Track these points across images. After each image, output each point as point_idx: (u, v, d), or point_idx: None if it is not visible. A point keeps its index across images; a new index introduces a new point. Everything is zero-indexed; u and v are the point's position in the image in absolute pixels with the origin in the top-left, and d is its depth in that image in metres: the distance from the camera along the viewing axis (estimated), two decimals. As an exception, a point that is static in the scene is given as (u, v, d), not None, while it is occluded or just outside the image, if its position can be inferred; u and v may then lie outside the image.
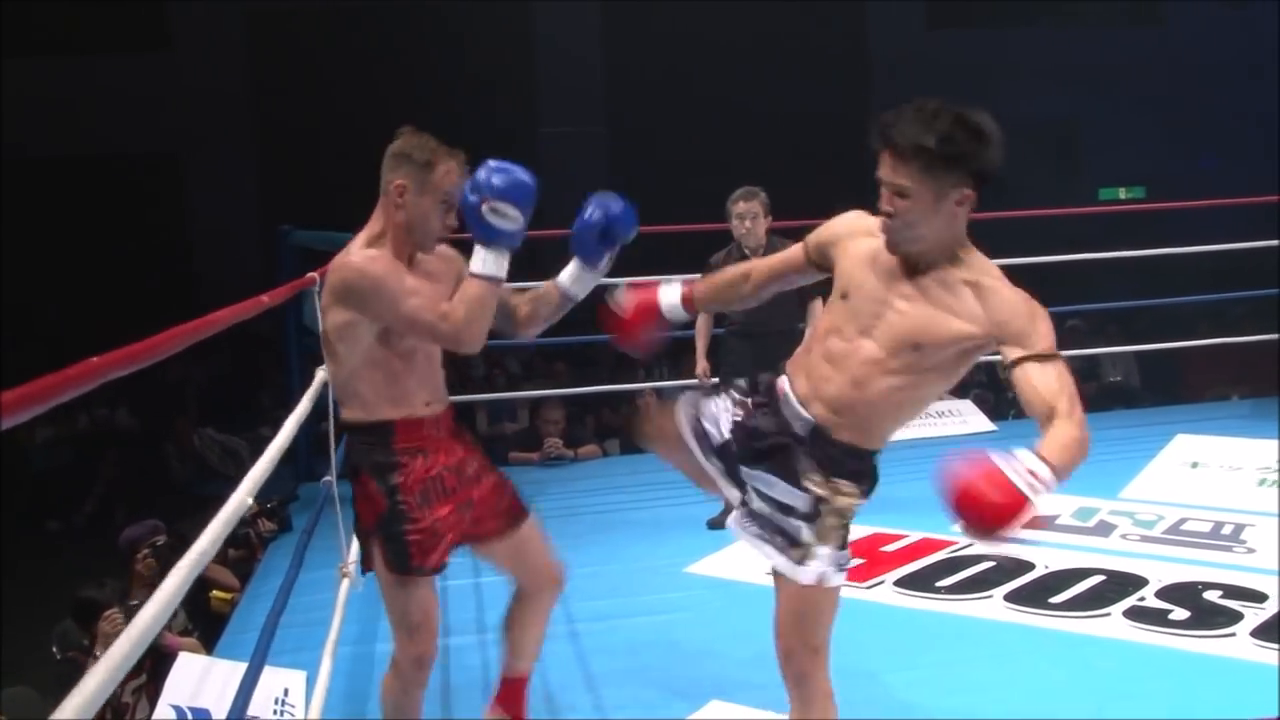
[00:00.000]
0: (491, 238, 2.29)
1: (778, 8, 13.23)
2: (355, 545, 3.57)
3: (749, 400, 2.35)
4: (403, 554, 2.43)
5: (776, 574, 2.30)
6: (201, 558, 1.69)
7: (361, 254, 2.38)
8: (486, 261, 2.31)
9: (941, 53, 13.40)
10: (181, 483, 7.88)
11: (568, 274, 2.57)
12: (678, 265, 6.19)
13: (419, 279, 2.41)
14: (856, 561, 2.32)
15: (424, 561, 2.44)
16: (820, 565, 2.21)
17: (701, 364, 5.01)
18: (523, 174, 2.30)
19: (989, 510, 1.85)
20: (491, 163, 2.31)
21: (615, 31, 13.27)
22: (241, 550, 5.17)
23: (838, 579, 2.25)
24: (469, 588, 4.23)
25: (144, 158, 12.43)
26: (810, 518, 2.22)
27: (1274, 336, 7.12)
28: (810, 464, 2.22)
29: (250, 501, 2.12)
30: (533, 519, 2.69)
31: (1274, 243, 7.06)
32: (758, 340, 4.79)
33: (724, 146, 12.63)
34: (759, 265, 2.53)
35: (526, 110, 13.10)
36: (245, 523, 5.11)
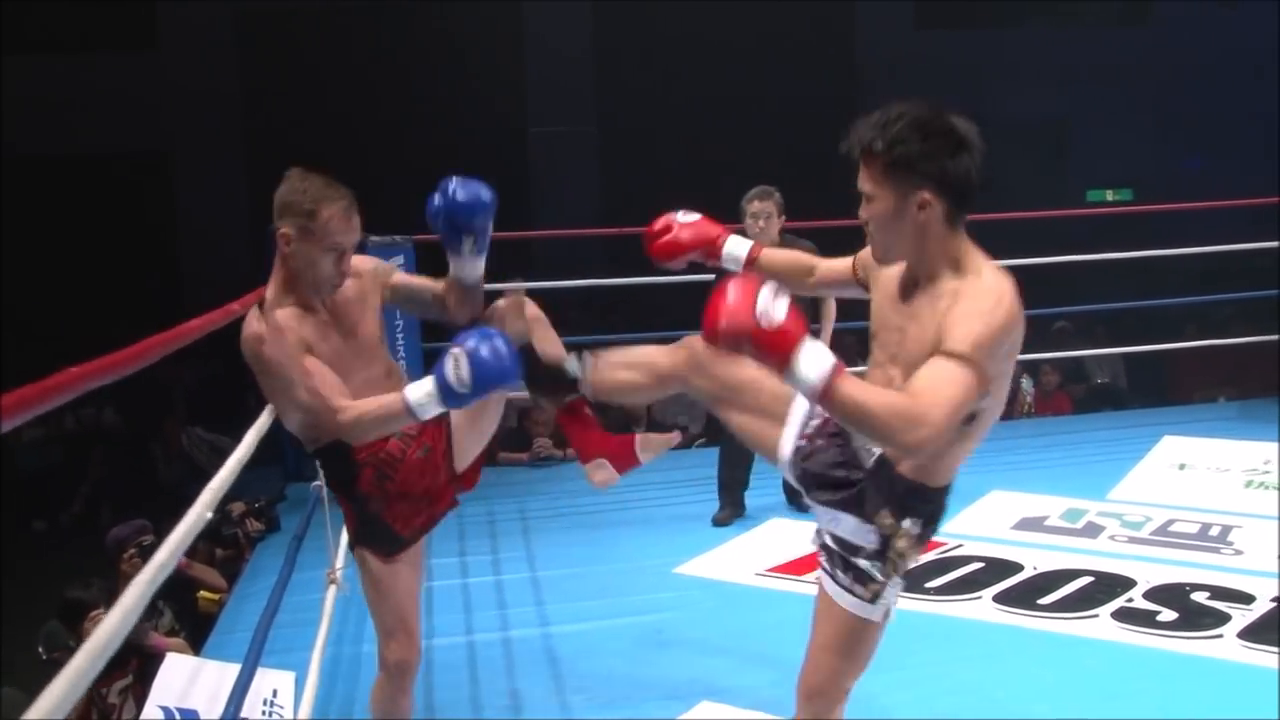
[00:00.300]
0: (439, 381, 2.09)
1: (767, 8, 13.23)
2: (342, 548, 3.58)
3: (824, 423, 2.17)
4: (386, 537, 2.42)
5: (823, 605, 2.20)
6: (166, 563, 1.66)
7: (256, 328, 2.25)
8: (420, 392, 2.12)
9: (930, 53, 13.42)
10: (169, 482, 7.85)
11: (450, 262, 2.45)
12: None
13: (319, 337, 2.32)
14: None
15: (409, 527, 2.43)
16: (888, 602, 2.13)
17: None
18: (504, 357, 2.09)
19: (718, 310, 1.79)
20: (501, 335, 2.13)
21: (606, 31, 13.26)
22: (229, 550, 5.15)
23: (894, 613, 2.17)
24: (456, 588, 4.23)
25: (133, 156, 12.39)
26: (879, 555, 2.10)
27: (1261, 339, 7.15)
28: (879, 500, 2.08)
29: (209, 515, 2.07)
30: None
31: (1261, 245, 7.09)
32: None
33: (714, 147, 12.63)
34: (823, 265, 2.40)
35: (517, 110, 13.09)
36: (233, 523, 5.09)
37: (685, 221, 2.40)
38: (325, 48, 12.28)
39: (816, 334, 4.95)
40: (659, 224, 2.41)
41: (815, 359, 1.77)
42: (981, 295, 1.88)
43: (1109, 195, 14.57)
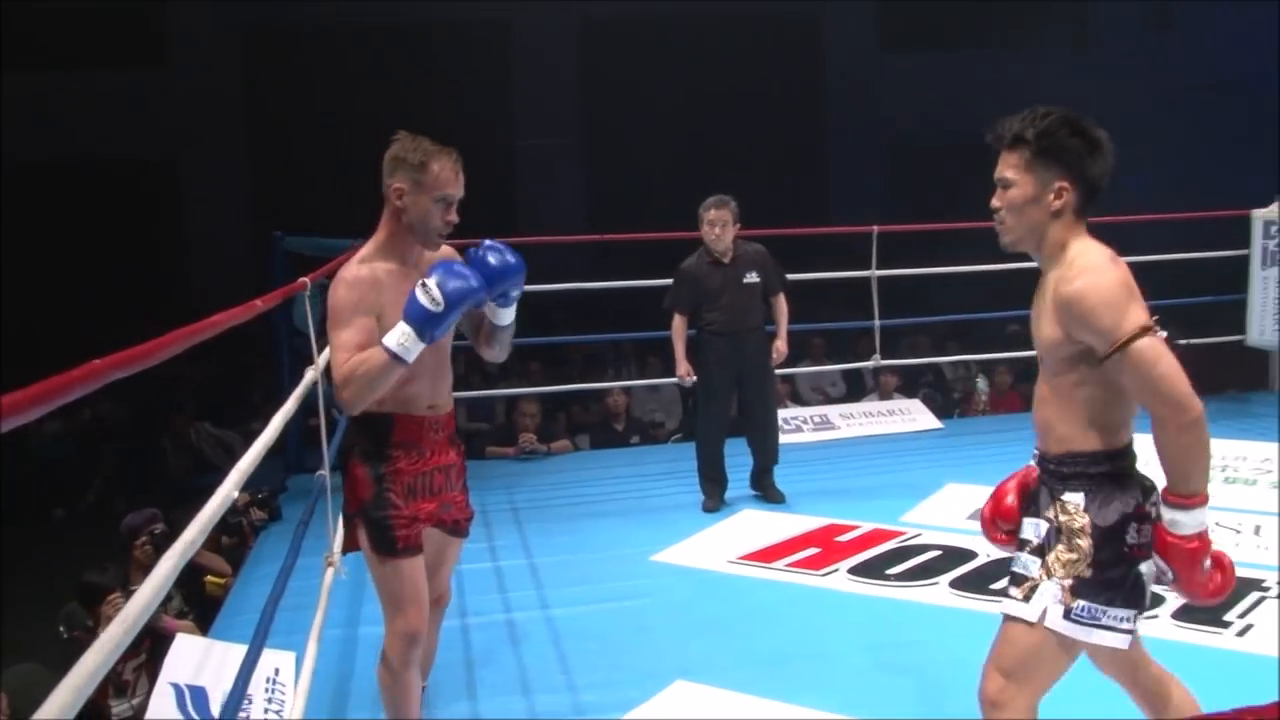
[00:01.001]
0: (408, 313, 2.22)
1: (743, 27, 13.27)
2: (340, 534, 3.59)
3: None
4: (387, 537, 2.41)
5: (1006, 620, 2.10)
6: (189, 547, 1.69)
7: (352, 268, 2.37)
8: (394, 336, 2.22)
9: (895, 73, 13.49)
10: (179, 474, 7.83)
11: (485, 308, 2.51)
12: (652, 271, 6.25)
13: (384, 304, 2.34)
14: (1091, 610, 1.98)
15: (408, 541, 2.43)
16: (1045, 600, 1.99)
17: (683, 366, 5.01)
18: (470, 278, 2.25)
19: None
20: (451, 263, 2.31)
21: (591, 47, 13.28)
22: (234, 538, 5.15)
23: (1065, 625, 1.98)
24: (489, 571, 4.24)
25: (142, 165, 12.35)
26: (1041, 551, 2.04)
27: (1194, 342, 7.24)
28: (1045, 494, 2.07)
29: (236, 494, 2.11)
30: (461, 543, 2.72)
31: (1182, 255, 7.17)
32: (732, 338, 4.89)
33: (694, 159, 12.68)
34: None
35: (505, 122, 13.09)
36: (237, 512, 5.09)
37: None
38: (325, 63, 12.28)
39: (772, 336, 5.04)
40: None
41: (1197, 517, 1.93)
42: (1075, 290, 1.94)
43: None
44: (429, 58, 12.39)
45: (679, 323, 5.02)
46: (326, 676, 3.27)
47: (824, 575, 4.05)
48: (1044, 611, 1.99)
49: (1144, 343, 1.90)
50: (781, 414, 6.76)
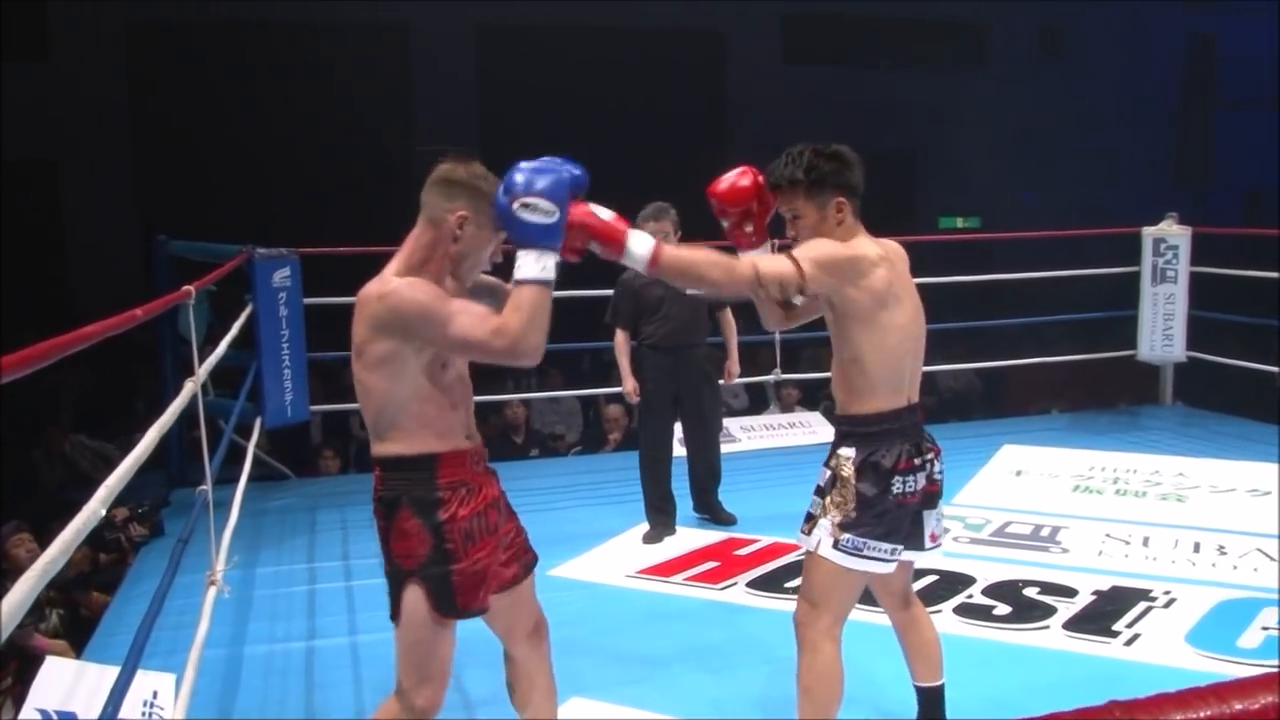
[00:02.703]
0: (528, 236, 2.08)
1: (645, 38, 13.35)
2: (224, 552, 3.49)
3: None
4: (448, 595, 2.20)
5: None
6: (51, 565, 1.61)
7: (401, 281, 2.15)
8: (530, 264, 2.08)
9: (798, 87, 13.70)
10: (51, 486, 7.54)
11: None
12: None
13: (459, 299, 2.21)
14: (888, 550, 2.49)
15: (470, 603, 2.23)
16: (820, 534, 2.47)
17: (630, 383, 4.82)
18: (553, 165, 2.14)
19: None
20: (521, 163, 2.15)
21: (488, 59, 13.21)
22: (113, 555, 4.97)
23: (834, 554, 2.44)
24: (340, 591, 4.15)
25: (19, 165, 11.88)
26: (823, 492, 2.50)
27: (1087, 357, 7.49)
28: (831, 448, 2.54)
29: (104, 511, 2.01)
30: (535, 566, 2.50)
31: (1097, 271, 7.40)
32: (672, 353, 4.77)
33: (594, 170, 12.66)
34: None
35: (403, 127, 12.94)
36: (116, 528, 4.92)
37: (599, 215, 2.32)
38: (216, 63, 11.98)
39: (715, 350, 4.99)
40: (578, 214, 2.27)
41: (641, 239, 2.28)
42: (827, 240, 2.42)
43: (960, 222, 15.05)
44: (324, 58, 12.19)
45: (620, 338, 4.84)
46: (208, 699, 3.17)
47: (723, 589, 4.06)
48: (819, 543, 2.48)
49: (783, 259, 2.38)
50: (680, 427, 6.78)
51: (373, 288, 2.18)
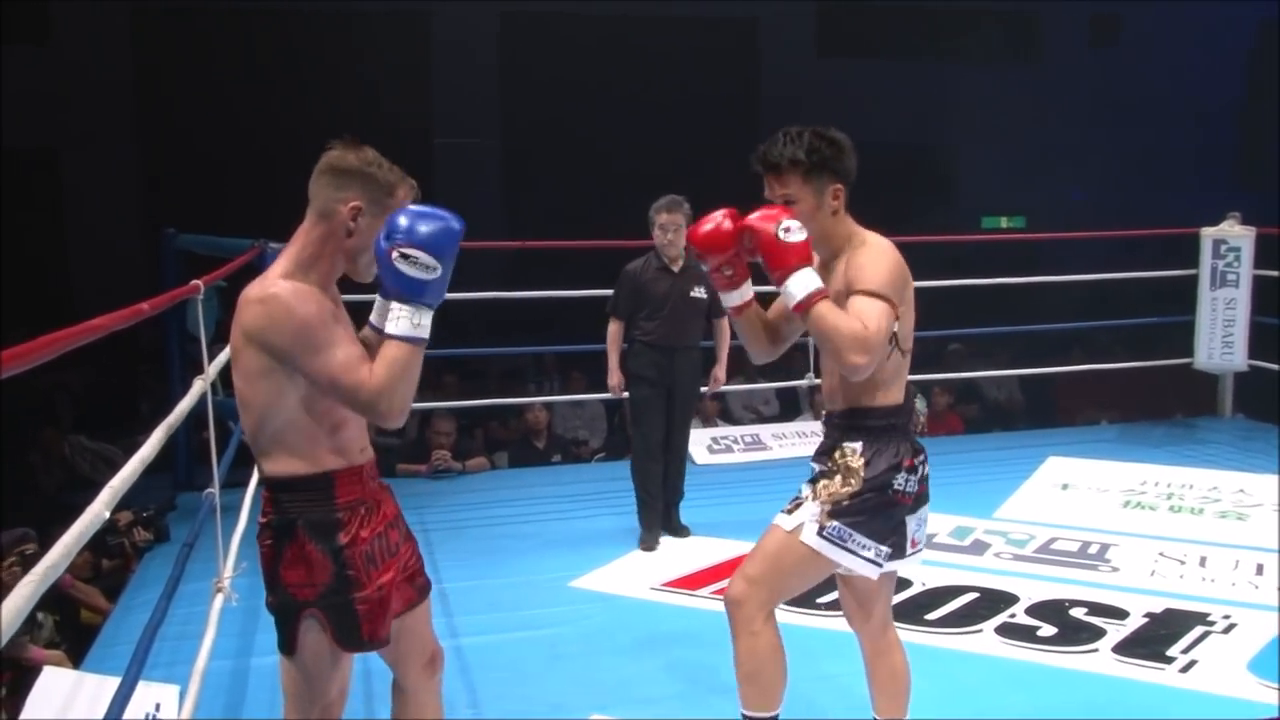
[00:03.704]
0: (403, 289, 1.99)
1: (674, 26, 13.36)
2: (232, 558, 3.52)
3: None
4: (352, 625, 2.11)
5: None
6: (51, 570, 1.62)
7: (287, 287, 2.04)
8: (403, 320, 2.00)
9: (830, 80, 13.66)
10: (50, 491, 7.60)
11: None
12: (574, 280, 6.23)
13: (341, 325, 2.11)
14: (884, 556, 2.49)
15: (374, 634, 2.13)
16: (804, 515, 2.44)
17: (615, 376, 4.95)
18: (448, 219, 2.04)
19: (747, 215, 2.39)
20: (411, 207, 2.07)
21: (512, 45, 13.24)
22: (115, 561, 5.01)
23: (816, 540, 2.42)
24: None
25: (19, 153, 11.98)
26: (814, 480, 2.49)
27: (1141, 364, 7.43)
28: (829, 445, 2.52)
29: (107, 514, 2.02)
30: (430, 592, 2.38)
31: (1148, 274, 7.35)
32: (665, 352, 4.82)
33: (618, 163, 12.69)
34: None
35: (422, 118, 12.99)
36: (120, 532, 4.96)
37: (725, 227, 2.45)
38: (224, 47, 12.04)
39: (705, 355, 5.02)
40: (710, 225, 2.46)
41: (808, 278, 2.31)
42: (875, 248, 2.42)
43: (1004, 222, 14.97)
44: (340, 45, 12.24)
45: (614, 329, 4.92)
46: (213, 712, 3.18)
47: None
48: (800, 525, 2.44)
49: (883, 305, 2.33)
50: (711, 433, 6.80)
51: (254, 289, 2.06)
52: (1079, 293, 8.14)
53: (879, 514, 2.43)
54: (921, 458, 2.50)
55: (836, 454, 2.47)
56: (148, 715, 2.97)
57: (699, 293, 4.83)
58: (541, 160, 12.73)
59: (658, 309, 4.82)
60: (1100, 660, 3.49)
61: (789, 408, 8.44)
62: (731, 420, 7.86)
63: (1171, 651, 3.52)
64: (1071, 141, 14.09)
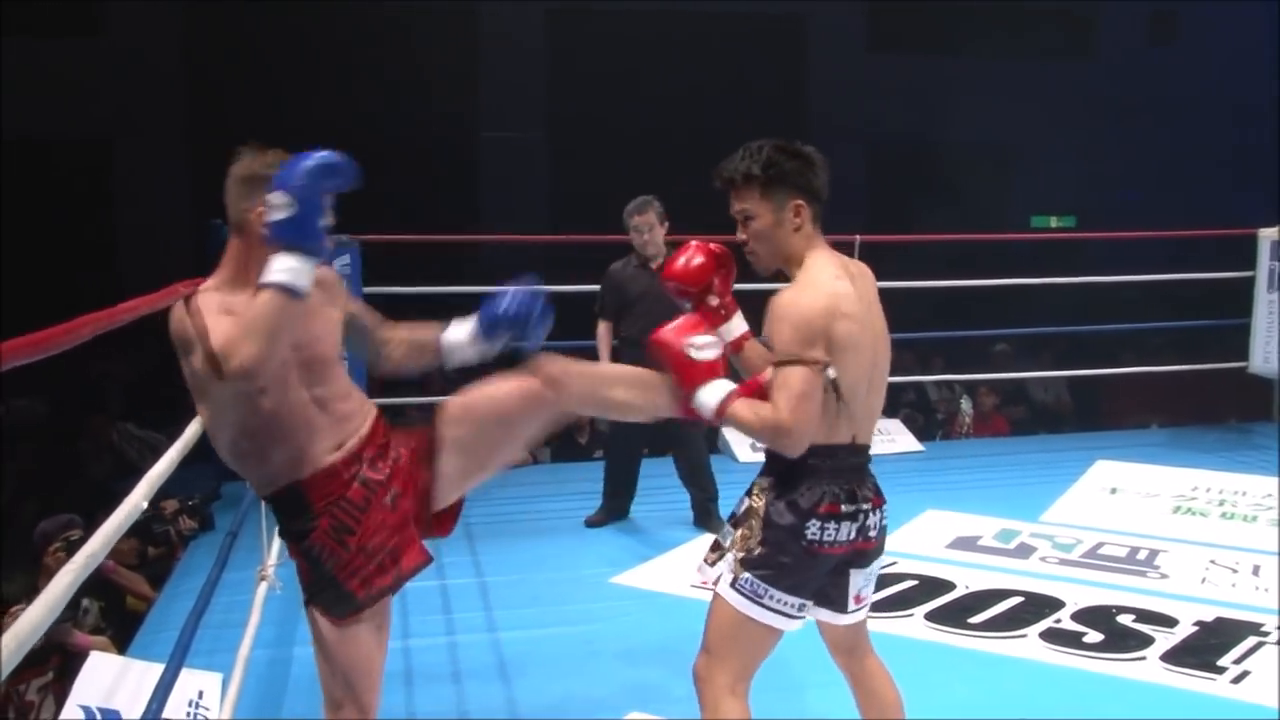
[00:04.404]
0: (269, 239, 1.94)
1: (720, 21, 13.32)
2: (275, 547, 3.55)
3: None
4: (341, 598, 2.15)
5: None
6: (92, 558, 1.64)
7: (205, 295, 2.08)
8: (275, 267, 1.93)
9: (880, 75, 13.57)
10: (98, 477, 7.71)
11: (458, 338, 2.39)
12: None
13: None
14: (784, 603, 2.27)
15: (367, 590, 2.15)
16: (721, 568, 2.30)
17: None
18: (305, 155, 1.98)
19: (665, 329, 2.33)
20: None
21: (559, 40, 13.27)
22: (161, 548, 5.07)
23: (731, 594, 2.26)
24: (435, 589, 4.20)
25: (71, 146, 12.16)
26: (736, 522, 2.32)
27: (1193, 367, 7.32)
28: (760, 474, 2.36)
29: (145, 504, 2.04)
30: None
31: (1200, 275, 7.24)
32: (646, 349, 4.84)
33: (664, 158, 12.67)
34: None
35: (469, 113, 13.04)
36: (165, 520, 5.02)
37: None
38: (274, 41, 12.14)
39: None
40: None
41: (716, 390, 2.24)
42: (791, 292, 2.23)
43: (1053, 221, 14.81)
44: (389, 38, 12.31)
45: (602, 328, 5.07)
46: (254, 700, 3.21)
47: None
48: (719, 578, 2.31)
49: (795, 370, 2.15)
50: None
51: (175, 309, 2.08)
52: (1130, 294, 8.03)
53: (790, 565, 2.23)
54: (864, 507, 2.28)
55: (753, 490, 2.32)
56: (190, 702, 3.00)
57: None
58: (586, 155, 12.73)
59: (639, 306, 4.94)
60: (1148, 668, 3.44)
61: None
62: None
63: (1223, 661, 3.46)
64: (1126, 140, 13.92)
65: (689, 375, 2.27)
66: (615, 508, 5.13)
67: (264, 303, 1.90)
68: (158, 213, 12.15)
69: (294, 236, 1.91)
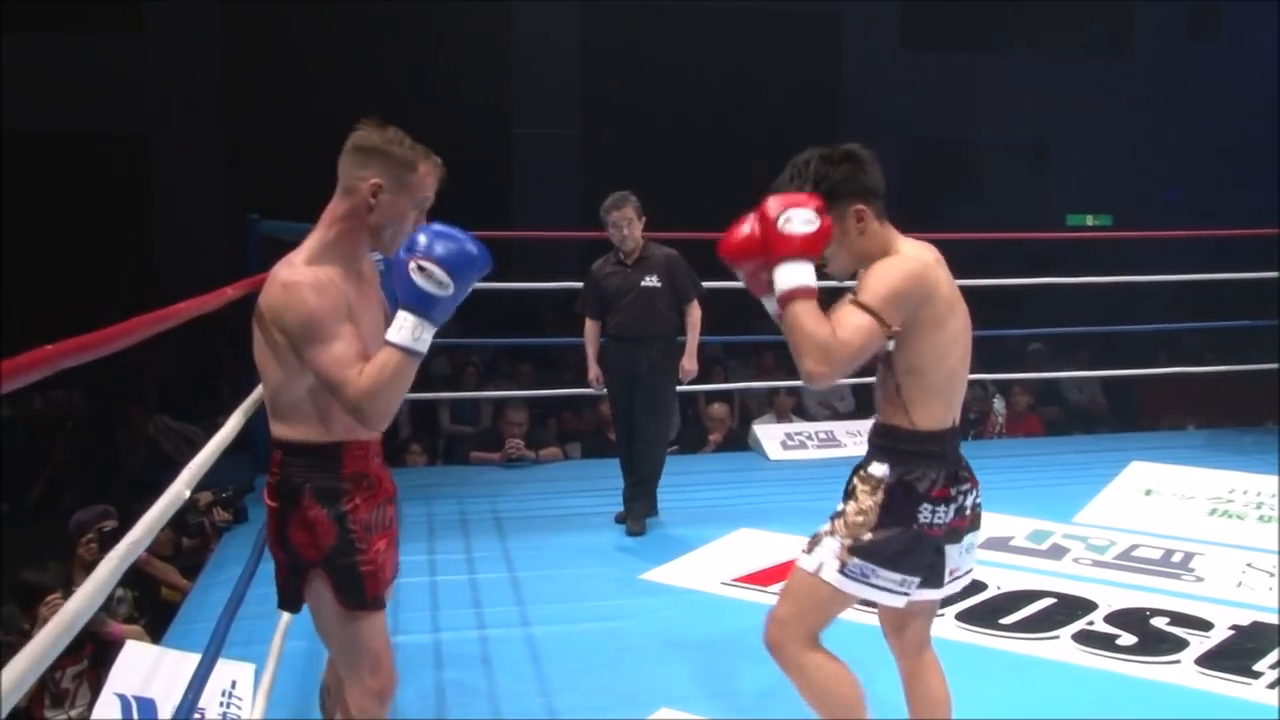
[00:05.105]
0: (412, 300, 2.03)
1: (754, 18, 13.30)
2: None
3: None
4: (357, 588, 2.21)
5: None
6: (134, 547, 1.66)
7: (308, 275, 2.13)
8: (405, 329, 2.03)
9: (915, 72, 13.50)
10: (134, 469, 7.80)
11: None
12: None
13: (360, 305, 2.19)
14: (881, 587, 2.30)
15: (375, 594, 2.24)
16: (823, 554, 2.31)
17: (593, 370, 5.10)
18: (467, 241, 2.06)
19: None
20: (435, 225, 2.09)
21: (593, 37, 13.29)
22: (195, 540, 5.13)
23: (838, 578, 2.29)
24: (424, 585, 4.23)
25: (110, 139, 12.29)
26: (836, 515, 2.34)
27: (1231, 368, 7.24)
28: (864, 460, 2.38)
29: (188, 492, 2.07)
30: None
31: (1237, 275, 7.17)
32: (627, 344, 4.94)
33: (697, 154, 12.68)
34: None
35: (503, 110, 13.09)
36: (199, 512, 5.07)
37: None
38: (311, 38, 12.24)
39: (680, 348, 5.05)
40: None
41: (797, 272, 2.18)
42: (889, 262, 2.26)
43: (1089, 220, 14.70)
44: (424, 33, 12.38)
45: (588, 326, 5.11)
46: (288, 690, 3.24)
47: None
48: (820, 564, 2.31)
49: (866, 318, 2.18)
50: (786, 429, 6.76)
51: (281, 271, 2.17)
52: (1167, 294, 7.97)
53: (905, 548, 2.28)
54: (965, 487, 2.35)
55: (860, 477, 2.34)
56: (224, 692, 3.03)
57: (651, 281, 4.94)
58: (620, 151, 12.75)
59: (616, 302, 4.97)
60: (1183, 672, 3.41)
61: (865, 404, 8.37)
62: (806, 416, 7.82)
63: (1259, 666, 3.43)
64: (1164, 139, 13.79)
65: (774, 247, 2.20)
66: (648, 505, 5.10)
67: (401, 366, 2.04)
68: (194, 206, 12.28)
69: (434, 310, 2.03)
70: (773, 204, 2.23)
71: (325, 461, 2.20)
